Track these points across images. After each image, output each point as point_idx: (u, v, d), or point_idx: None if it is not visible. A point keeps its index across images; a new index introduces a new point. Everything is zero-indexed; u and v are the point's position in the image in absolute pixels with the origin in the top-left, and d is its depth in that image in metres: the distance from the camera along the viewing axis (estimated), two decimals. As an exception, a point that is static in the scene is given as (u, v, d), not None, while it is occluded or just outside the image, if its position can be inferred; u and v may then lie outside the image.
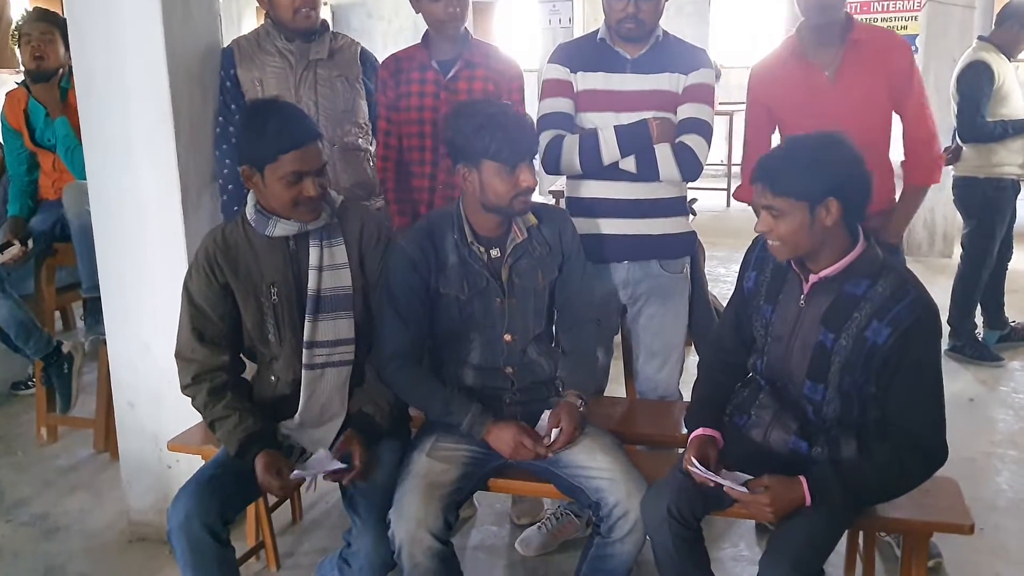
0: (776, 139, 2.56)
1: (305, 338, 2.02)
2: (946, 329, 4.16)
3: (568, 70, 2.38)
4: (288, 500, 2.74)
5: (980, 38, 4.06)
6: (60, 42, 3.35)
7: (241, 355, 2.16)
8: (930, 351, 1.76)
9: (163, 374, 2.57)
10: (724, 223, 7.03)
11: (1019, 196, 4.06)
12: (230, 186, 2.57)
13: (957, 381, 3.86)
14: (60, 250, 3.44)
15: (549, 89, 2.40)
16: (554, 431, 2.00)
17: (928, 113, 2.53)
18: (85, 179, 3.18)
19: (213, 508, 1.86)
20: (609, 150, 2.30)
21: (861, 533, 2.29)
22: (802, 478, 1.75)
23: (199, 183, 2.53)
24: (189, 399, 2.07)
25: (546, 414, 2.05)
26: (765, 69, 2.62)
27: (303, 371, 2.03)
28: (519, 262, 2.08)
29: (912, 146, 2.55)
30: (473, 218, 2.06)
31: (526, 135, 1.98)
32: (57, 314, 4.24)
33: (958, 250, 4.30)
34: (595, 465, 1.96)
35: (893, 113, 2.53)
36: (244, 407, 2.01)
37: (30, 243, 3.37)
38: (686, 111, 2.31)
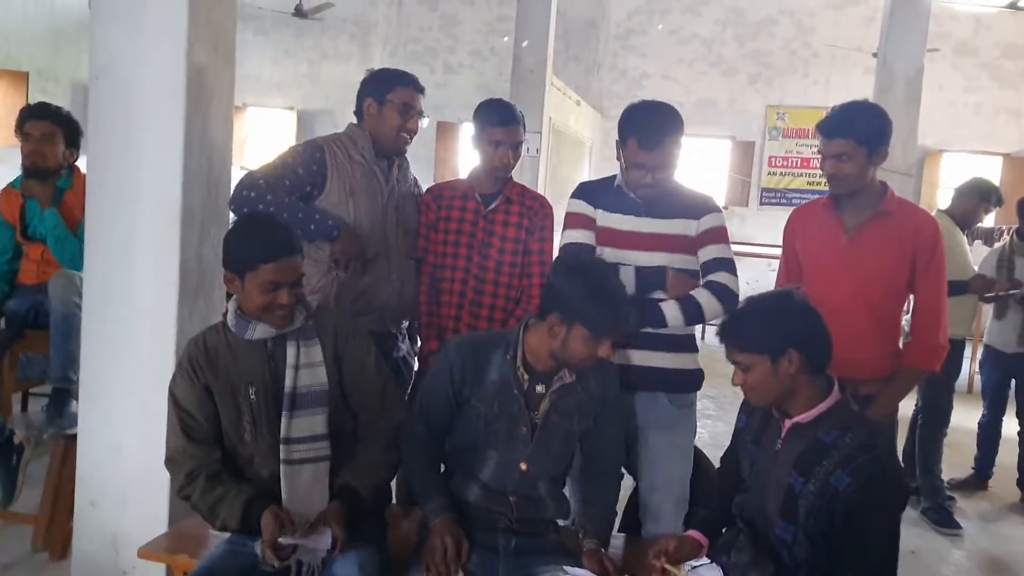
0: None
1: (281, 434, 2.08)
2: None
3: (591, 206, 2.53)
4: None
5: (939, 210, 4.38)
6: (61, 142, 3.39)
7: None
8: (886, 507, 1.82)
9: (132, 476, 2.54)
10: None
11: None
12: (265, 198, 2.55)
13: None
14: (29, 336, 3.38)
15: (572, 221, 2.54)
16: None
17: (941, 301, 2.55)
18: (74, 269, 3.20)
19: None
20: (627, 286, 2.39)
21: None
22: None
23: (196, 287, 2.56)
24: (186, 501, 2.08)
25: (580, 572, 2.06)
26: (801, 213, 2.75)
27: (281, 466, 2.08)
28: (562, 400, 2.15)
29: (918, 328, 2.58)
30: (533, 352, 2.13)
31: (629, 317, 2.06)
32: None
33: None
34: None
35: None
36: (243, 481, 2.07)
37: (2, 323, 3.32)
38: (710, 252, 2.46)
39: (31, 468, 3.34)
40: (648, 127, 2.40)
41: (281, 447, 2.08)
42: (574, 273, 2.06)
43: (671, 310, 2.38)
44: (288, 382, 2.09)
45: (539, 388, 2.15)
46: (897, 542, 1.85)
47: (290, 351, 2.10)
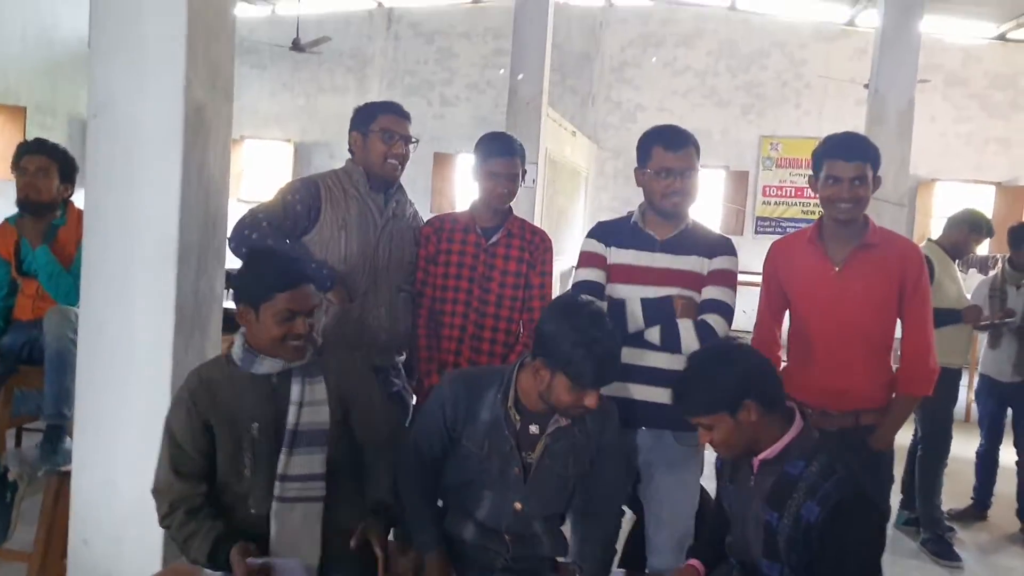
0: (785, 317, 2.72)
1: (279, 471, 2.07)
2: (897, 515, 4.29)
3: (604, 245, 2.54)
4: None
5: (930, 241, 4.39)
6: (56, 176, 3.39)
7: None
8: (858, 530, 1.82)
9: (127, 514, 2.50)
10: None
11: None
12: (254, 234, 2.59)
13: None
14: (24, 372, 3.36)
15: (584, 260, 2.55)
16: None
17: (928, 327, 2.59)
18: (68, 304, 3.20)
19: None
20: (634, 320, 2.41)
21: None
22: None
23: (192, 322, 2.55)
24: (167, 530, 2.07)
25: None
26: (783, 246, 2.75)
27: (273, 503, 2.07)
28: (556, 444, 2.12)
29: (908, 356, 2.60)
30: (525, 393, 2.10)
31: (613, 371, 2.03)
32: None
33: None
34: None
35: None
36: (220, 518, 2.06)
37: None
38: (710, 292, 2.46)
39: (25, 505, 3.30)
40: (671, 133, 2.48)
41: (276, 484, 2.06)
42: (564, 319, 1.99)
43: (652, 333, 2.41)
44: (291, 419, 2.08)
45: (532, 428, 2.12)
46: (876, 565, 1.85)
47: (295, 388, 2.09)
